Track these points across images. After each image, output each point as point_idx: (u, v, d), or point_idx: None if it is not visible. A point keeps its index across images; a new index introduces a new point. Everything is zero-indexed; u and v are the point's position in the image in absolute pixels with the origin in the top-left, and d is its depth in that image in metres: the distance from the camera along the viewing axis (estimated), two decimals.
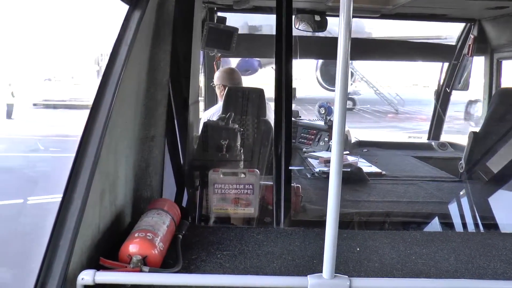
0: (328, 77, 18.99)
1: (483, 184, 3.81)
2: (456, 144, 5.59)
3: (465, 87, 5.40)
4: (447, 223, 2.81)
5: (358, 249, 2.25)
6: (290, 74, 2.70)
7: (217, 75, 4.60)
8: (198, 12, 3.27)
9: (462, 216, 2.90)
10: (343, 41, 1.42)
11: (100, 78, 1.96)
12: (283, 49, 2.70)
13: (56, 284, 1.56)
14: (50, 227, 1.67)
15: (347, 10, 1.42)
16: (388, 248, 2.26)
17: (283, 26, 2.74)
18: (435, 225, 2.90)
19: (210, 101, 5.33)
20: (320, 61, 18.24)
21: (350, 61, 1.46)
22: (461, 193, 3.32)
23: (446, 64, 5.55)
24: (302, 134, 5.38)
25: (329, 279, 1.54)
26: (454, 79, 5.41)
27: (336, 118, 1.47)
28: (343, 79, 1.44)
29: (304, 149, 5.01)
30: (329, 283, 1.54)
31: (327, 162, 4.25)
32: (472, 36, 4.91)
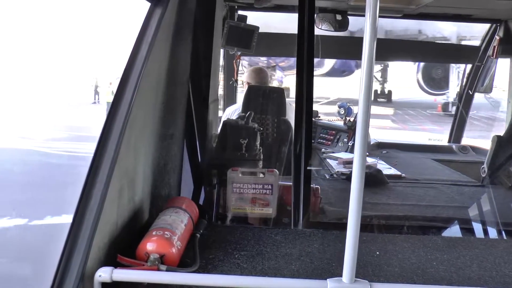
0: (430, 80, 18.62)
1: (506, 190, 3.72)
2: (477, 148, 5.48)
3: (488, 89, 5.29)
4: (468, 229, 2.76)
5: (377, 252, 2.21)
6: (312, 74, 2.68)
7: (246, 73, 4.61)
8: (219, 10, 3.26)
9: (484, 222, 2.84)
10: (368, 41, 1.39)
11: (121, 75, 1.96)
12: (304, 48, 2.67)
13: (74, 281, 1.56)
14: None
15: (373, 10, 1.39)
16: (408, 253, 2.22)
17: (305, 24, 2.71)
18: (455, 230, 2.84)
19: (229, 99, 5.33)
20: (422, 64, 17.80)
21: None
22: (483, 198, 3.25)
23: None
24: (321, 135, 5.34)
25: (349, 283, 1.52)
26: (477, 81, 5.31)
27: (359, 120, 1.45)
28: (367, 80, 1.41)
29: (323, 150, 4.97)
30: None
31: (346, 163, 4.21)
32: (497, 37, 4.81)
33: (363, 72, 1.41)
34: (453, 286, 1.89)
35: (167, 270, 1.77)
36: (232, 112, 4.45)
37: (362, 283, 1.53)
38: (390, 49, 5.13)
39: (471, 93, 5.45)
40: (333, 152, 4.81)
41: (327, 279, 1.55)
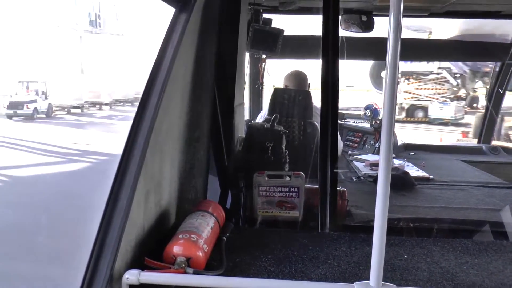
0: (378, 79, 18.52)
1: None
2: (509, 148, 5.35)
3: None
4: (499, 232, 2.69)
5: (405, 256, 2.18)
6: (337, 76, 2.66)
7: (285, 76, 4.60)
8: (244, 14, 3.27)
9: None
10: (392, 41, 1.38)
11: (147, 80, 1.98)
12: (329, 50, 2.66)
13: (102, 283, 1.58)
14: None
15: (397, 9, 1.38)
16: (437, 256, 2.18)
17: (330, 26, 2.69)
18: (486, 233, 2.77)
19: (255, 103, 5.34)
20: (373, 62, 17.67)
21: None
22: None
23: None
24: (348, 137, 5.30)
25: (376, 287, 1.49)
26: (508, 80, 5.19)
27: (384, 121, 1.43)
28: (391, 81, 1.40)
29: (349, 152, 4.93)
30: None
31: (373, 165, 4.17)
32: None
33: (387, 73, 1.39)
34: None
35: (193, 273, 1.78)
36: (261, 116, 4.46)
37: (389, 287, 1.51)
38: (416, 48, 5.06)
39: (501, 92, 5.33)
40: (359, 155, 4.77)
41: (354, 283, 1.53)
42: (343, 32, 4.16)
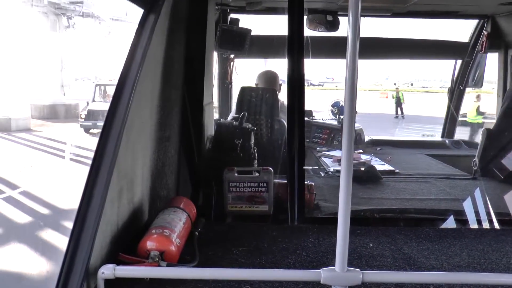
0: None
1: (497, 182, 3.80)
2: (470, 142, 5.56)
3: (479, 84, 5.37)
4: (460, 220, 2.82)
5: (371, 244, 2.28)
6: (302, 74, 2.74)
7: (257, 76, 4.67)
8: (212, 14, 3.32)
9: (476, 213, 2.90)
10: (351, 40, 1.45)
11: (117, 80, 2.02)
12: (295, 49, 2.74)
13: (78, 278, 1.61)
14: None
15: (355, 9, 1.46)
16: (400, 244, 2.29)
17: (295, 26, 2.77)
18: (448, 222, 2.90)
19: (224, 102, 5.39)
20: None
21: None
22: (475, 190, 3.32)
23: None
24: (316, 134, 5.40)
25: (341, 272, 1.57)
26: (467, 77, 5.38)
27: (345, 117, 1.51)
28: (351, 78, 1.47)
29: (318, 149, 5.04)
30: (341, 276, 1.57)
31: (340, 161, 4.26)
32: (485, 33, 4.89)
33: (347, 71, 1.47)
34: (440, 272, 1.97)
35: (167, 266, 1.84)
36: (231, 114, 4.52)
37: (354, 271, 1.58)
38: (376, 47, 5.19)
39: (462, 88, 5.52)
40: (327, 151, 4.88)
41: (321, 269, 1.60)
42: (309, 32, 4.26)
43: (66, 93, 25.34)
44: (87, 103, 20.26)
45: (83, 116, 19.43)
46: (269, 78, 4.59)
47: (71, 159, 14.21)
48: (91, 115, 18.98)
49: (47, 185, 11.26)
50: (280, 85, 4.60)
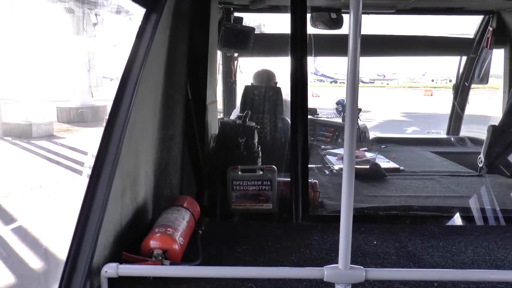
0: None
1: (503, 178, 3.78)
2: (476, 139, 5.53)
3: (484, 80, 5.34)
4: (465, 217, 2.81)
5: (375, 242, 2.27)
6: (305, 72, 2.74)
7: (253, 75, 4.66)
8: (214, 13, 3.32)
9: (481, 210, 2.89)
10: (352, 37, 1.45)
11: (119, 80, 2.02)
12: (297, 47, 2.74)
13: (81, 277, 1.62)
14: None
15: (356, 6, 1.45)
16: (405, 241, 2.28)
17: (298, 24, 2.77)
18: (453, 219, 2.89)
19: (229, 100, 5.39)
20: None
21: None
22: (480, 187, 3.30)
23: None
24: (321, 132, 5.39)
25: (344, 270, 1.56)
26: (473, 73, 5.35)
27: (347, 114, 1.51)
28: (352, 75, 1.47)
29: (322, 147, 5.03)
30: (344, 273, 1.56)
31: None
32: (490, 29, 4.85)
33: (349, 69, 1.46)
34: (443, 269, 1.96)
35: (170, 265, 1.84)
36: (233, 113, 4.53)
37: (357, 269, 1.58)
38: (381, 44, 5.18)
39: (467, 85, 5.49)
40: (332, 149, 4.87)
41: (324, 267, 1.60)
42: (312, 30, 4.25)
43: (94, 95, 23.32)
44: (105, 107, 19.43)
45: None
46: (265, 77, 4.59)
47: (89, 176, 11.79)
48: None
49: (48, 217, 7.53)
50: (276, 83, 4.59)
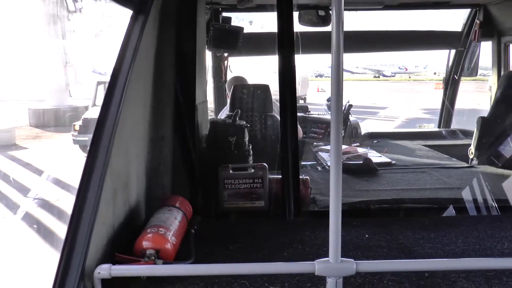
0: None
1: (492, 169, 3.82)
2: (467, 131, 5.58)
3: (474, 73, 5.39)
4: (456, 208, 2.84)
5: (366, 235, 2.29)
6: (293, 70, 2.76)
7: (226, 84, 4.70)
8: (202, 13, 3.33)
9: (473, 201, 2.92)
10: (335, 33, 1.46)
11: (108, 81, 2.03)
12: (284, 45, 2.75)
13: (74, 279, 1.63)
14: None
15: (338, 3, 1.47)
16: (396, 234, 2.30)
17: (284, 22, 2.79)
18: (444, 210, 2.93)
19: (220, 100, 5.41)
20: None
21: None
22: (471, 178, 3.33)
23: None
24: (312, 129, 5.42)
25: (335, 263, 1.58)
26: (461, 66, 5.40)
27: (332, 110, 1.53)
28: (336, 72, 1.48)
29: (314, 143, 5.05)
30: (335, 267, 1.58)
31: None
32: (477, 22, 4.90)
33: (333, 65, 1.48)
34: (432, 259, 1.98)
35: (163, 264, 1.85)
36: (221, 112, 4.54)
37: (347, 262, 1.59)
38: (368, 40, 5.21)
39: (456, 78, 5.54)
40: (324, 145, 4.89)
41: (315, 261, 1.61)
42: (299, 28, 4.27)
43: (72, 94, 19.81)
44: (86, 108, 15.45)
45: (77, 128, 13.04)
46: (238, 82, 4.61)
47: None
48: (88, 126, 12.60)
49: None
50: None
